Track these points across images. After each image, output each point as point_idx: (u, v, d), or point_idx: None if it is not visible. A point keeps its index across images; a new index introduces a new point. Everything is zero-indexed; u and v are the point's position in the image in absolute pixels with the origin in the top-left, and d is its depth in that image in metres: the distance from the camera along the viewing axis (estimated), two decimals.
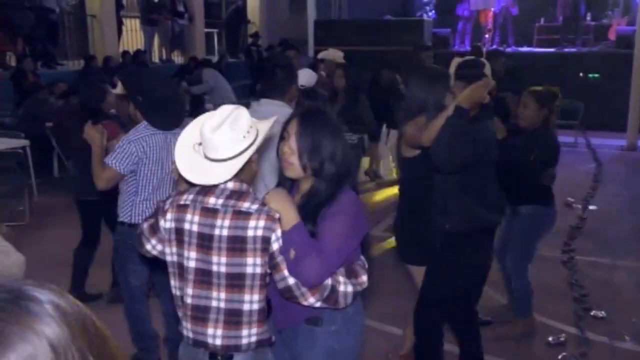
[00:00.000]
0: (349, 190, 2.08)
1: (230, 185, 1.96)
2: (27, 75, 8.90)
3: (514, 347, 3.92)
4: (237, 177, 1.96)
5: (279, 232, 1.91)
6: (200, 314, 1.96)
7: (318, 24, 13.79)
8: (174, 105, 3.21)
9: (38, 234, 5.91)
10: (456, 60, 3.55)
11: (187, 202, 1.97)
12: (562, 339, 3.97)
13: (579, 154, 9.78)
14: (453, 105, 2.87)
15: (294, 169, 2.05)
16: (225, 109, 1.94)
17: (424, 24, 12.89)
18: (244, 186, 1.98)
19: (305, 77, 5.06)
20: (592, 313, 4.33)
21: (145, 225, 2.12)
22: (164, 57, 13.14)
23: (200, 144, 1.95)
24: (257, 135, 1.97)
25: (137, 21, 12.87)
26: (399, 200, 3.49)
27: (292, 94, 3.35)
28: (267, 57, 7.68)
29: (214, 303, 1.94)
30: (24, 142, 7.05)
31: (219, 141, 1.89)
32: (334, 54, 6.65)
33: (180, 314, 2.04)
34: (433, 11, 14.34)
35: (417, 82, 3.27)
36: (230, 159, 1.91)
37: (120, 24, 12.21)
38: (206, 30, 14.80)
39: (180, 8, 13.08)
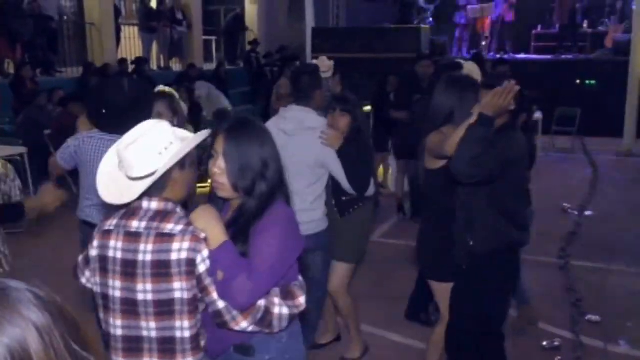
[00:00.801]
0: (282, 204, 1.94)
1: (154, 205, 1.82)
2: (25, 83, 8.94)
3: (509, 351, 3.93)
4: (160, 196, 1.82)
5: (205, 253, 1.78)
6: (134, 344, 1.83)
7: (316, 31, 13.86)
8: (130, 111, 2.95)
9: (35, 241, 5.92)
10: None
11: (111, 228, 1.85)
12: (556, 343, 3.98)
13: (576, 160, 9.83)
14: (476, 113, 2.68)
15: (225, 189, 1.92)
16: (144, 125, 1.81)
17: (421, 32, 12.95)
18: (170, 205, 1.83)
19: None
20: (587, 318, 4.35)
21: (81, 258, 2.00)
22: (162, 64, 13.18)
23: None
24: (179, 150, 1.80)
25: (136, 29, 12.92)
26: (423, 213, 3.42)
27: (318, 100, 3.40)
28: (295, 66, 7.64)
29: (145, 333, 1.81)
30: (22, 150, 7.08)
31: (132, 158, 1.76)
32: (321, 63, 6.66)
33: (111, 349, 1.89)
34: (431, 19, 14.42)
35: (444, 90, 3.10)
36: (147, 176, 1.77)
37: (118, 31, 12.27)
38: (204, 37, 14.86)
39: (179, 15, 13.14)
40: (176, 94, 3.60)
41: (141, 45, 12.66)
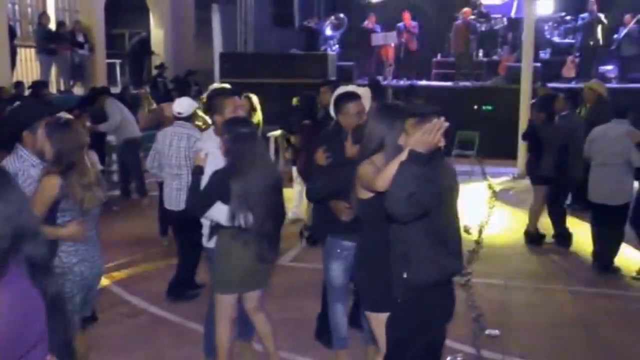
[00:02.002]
0: (15, 274, 1.47)
1: None
2: None
3: None
4: None
5: None
6: None
7: (224, 56, 13.84)
8: None
9: None
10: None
11: None
12: (459, 358, 4.13)
13: (475, 182, 10.29)
14: (407, 149, 2.63)
15: None
16: None
17: (328, 58, 13.24)
18: None
19: (184, 105, 5.13)
20: (487, 332, 4.55)
21: None
22: (63, 88, 12.69)
23: None
24: None
25: (33, 51, 12.39)
26: (360, 243, 3.28)
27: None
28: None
29: None
30: None
31: None
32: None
33: None
34: (337, 46, 14.79)
35: (377, 117, 3.05)
36: None
37: (13, 53, 11.72)
38: (108, 61, 14.47)
39: (80, 38, 12.73)
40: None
41: (39, 68, 12.14)
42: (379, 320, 3.08)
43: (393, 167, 2.66)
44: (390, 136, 2.92)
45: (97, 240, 3.39)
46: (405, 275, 2.82)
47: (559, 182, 6.65)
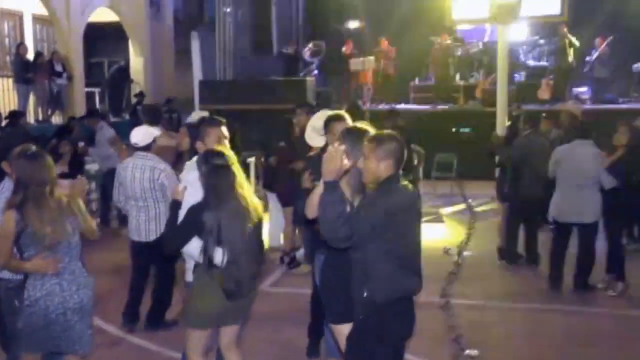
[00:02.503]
0: None
1: None
2: None
3: None
4: None
5: None
6: None
7: (203, 83, 13.91)
8: None
9: None
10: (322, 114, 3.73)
11: None
12: None
13: (455, 204, 10.37)
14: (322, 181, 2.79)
15: None
16: None
17: (307, 83, 13.36)
18: None
19: (139, 135, 4.97)
20: (466, 352, 4.56)
21: None
22: (41, 117, 12.63)
23: None
24: None
25: (10, 80, 12.36)
26: (325, 257, 3.41)
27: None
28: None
29: None
30: None
31: None
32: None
33: None
34: (316, 71, 14.94)
35: (342, 140, 3.14)
36: None
37: None
38: (87, 89, 14.46)
39: (58, 67, 12.72)
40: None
41: (16, 98, 12.09)
42: (341, 332, 3.23)
43: (316, 197, 2.89)
44: (353, 159, 2.99)
45: (78, 273, 3.30)
46: (365, 294, 2.91)
47: (514, 201, 6.78)
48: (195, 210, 3.31)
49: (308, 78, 14.02)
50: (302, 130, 4.97)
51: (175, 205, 3.45)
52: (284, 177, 6.58)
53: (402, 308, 2.98)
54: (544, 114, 7.62)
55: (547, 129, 7.50)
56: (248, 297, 3.49)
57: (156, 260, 5.02)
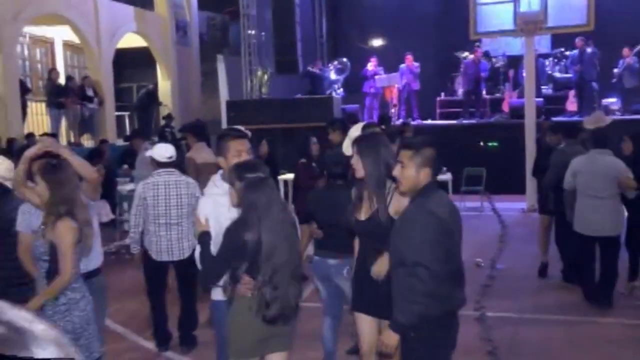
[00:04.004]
0: None
1: None
2: None
3: None
4: None
5: None
6: None
7: (230, 104, 14.07)
8: None
9: None
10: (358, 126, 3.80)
11: None
12: None
13: (485, 218, 10.28)
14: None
15: None
16: None
17: (332, 101, 13.42)
18: None
19: (170, 150, 4.89)
20: None
21: None
22: (73, 140, 12.91)
23: None
24: None
25: (43, 105, 12.70)
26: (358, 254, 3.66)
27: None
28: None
29: None
30: None
31: None
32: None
33: None
34: (341, 89, 15.02)
35: (360, 148, 3.39)
36: None
37: (24, 106, 12.03)
38: (117, 113, 14.75)
39: (90, 92, 13.01)
40: None
41: (49, 121, 12.39)
42: (360, 319, 3.56)
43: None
44: (373, 166, 3.26)
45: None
46: (415, 309, 2.81)
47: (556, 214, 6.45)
48: (234, 231, 2.97)
49: (334, 96, 14.09)
50: (323, 148, 5.01)
51: (206, 236, 3.13)
52: (303, 195, 6.60)
53: (451, 322, 2.97)
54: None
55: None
56: (294, 319, 3.15)
57: (183, 279, 5.04)
